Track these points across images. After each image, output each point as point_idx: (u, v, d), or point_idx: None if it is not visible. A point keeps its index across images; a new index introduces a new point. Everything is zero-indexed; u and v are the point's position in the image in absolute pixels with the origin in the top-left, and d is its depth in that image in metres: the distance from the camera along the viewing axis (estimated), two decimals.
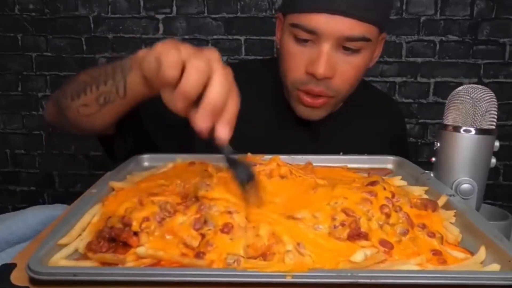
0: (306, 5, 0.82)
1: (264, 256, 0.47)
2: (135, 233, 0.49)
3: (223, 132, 0.52)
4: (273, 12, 1.85)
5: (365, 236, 0.49)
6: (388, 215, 0.53)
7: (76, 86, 0.76)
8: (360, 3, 0.80)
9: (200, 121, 0.51)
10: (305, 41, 0.84)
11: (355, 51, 0.84)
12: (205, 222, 0.49)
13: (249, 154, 0.70)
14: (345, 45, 0.82)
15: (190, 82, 0.50)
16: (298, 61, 0.86)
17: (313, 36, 0.82)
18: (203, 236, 0.48)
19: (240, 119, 0.96)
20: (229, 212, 0.50)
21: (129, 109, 0.74)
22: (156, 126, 0.92)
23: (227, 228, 0.48)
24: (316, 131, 1.00)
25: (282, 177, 0.61)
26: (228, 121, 0.53)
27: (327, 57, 0.82)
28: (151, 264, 0.45)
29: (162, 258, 0.45)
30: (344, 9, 0.79)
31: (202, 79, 0.51)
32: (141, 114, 0.90)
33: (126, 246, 0.49)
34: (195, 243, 0.47)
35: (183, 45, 0.54)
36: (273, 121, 0.99)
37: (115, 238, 0.49)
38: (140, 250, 0.45)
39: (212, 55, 0.53)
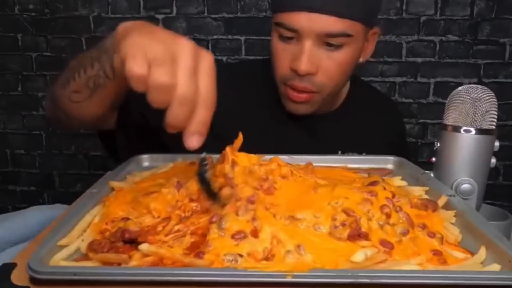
0: (287, 4, 0.85)
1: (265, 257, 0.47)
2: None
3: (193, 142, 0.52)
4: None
5: (365, 236, 0.49)
6: (388, 215, 0.53)
7: (66, 73, 0.75)
8: (340, 0, 0.82)
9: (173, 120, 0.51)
10: (289, 38, 0.87)
11: (338, 46, 0.85)
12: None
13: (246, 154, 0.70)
14: (326, 41, 0.84)
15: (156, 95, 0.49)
16: (283, 58, 0.89)
17: (295, 34, 0.85)
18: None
19: (239, 118, 0.97)
20: (254, 219, 0.50)
21: (122, 93, 0.72)
22: (161, 124, 0.92)
23: (239, 235, 0.48)
24: (314, 130, 1.00)
25: (283, 177, 0.61)
26: (198, 129, 0.52)
27: (309, 53, 0.84)
28: (152, 263, 0.45)
29: (164, 255, 0.45)
30: (323, 7, 0.81)
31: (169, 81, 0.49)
32: (146, 113, 0.90)
33: (127, 245, 0.49)
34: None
35: (155, 40, 0.50)
36: (271, 119, 0.99)
37: (129, 240, 0.49)
38: (143, 247, 0.45)
39: (183, 49, 0.50)
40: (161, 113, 0.94)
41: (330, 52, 0.86)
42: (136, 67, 0.49)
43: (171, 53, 0.49)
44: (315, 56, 0.85)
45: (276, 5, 0.89)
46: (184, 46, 0.50)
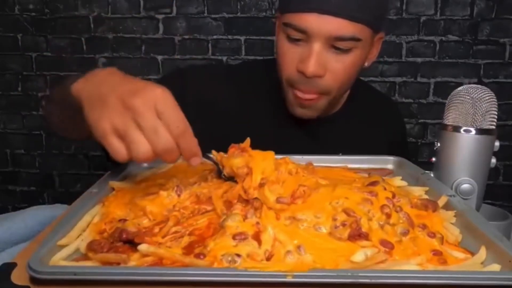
0: (297, 5, 0.83)
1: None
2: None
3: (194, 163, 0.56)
4: (273, 12, 1.85)
5: (365, 236, 0.49)
6: (388, 215, 0.53)
7: (50, 104, 0.76)
8: (351, 4, 0.81)
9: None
10: (297, 40, 0.85)
11: (346, 50, 0.84)
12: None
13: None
14: (335, 44, 0.83)
15: (141, 152, 0.52)
16: (290, 59, 0.87)
17: (304, 36, 0.84)
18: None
19: (241, 120, 0.96)
20: (258, 223, 0.50)
21: None
22: None
23: (239, 236, 0.48)
24: (315, 131, 1.00)
25: (289, 173, 0.61)
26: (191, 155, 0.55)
27: (317, 56, 0.83)
28: (152, 263, 0.45)
29: (163, 256, 0.45)
30: (334, 9, 0.80)
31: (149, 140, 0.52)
32: None
33: (127, 245, 0.49)
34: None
35: (117, 104, 0.52)
36: (273, 121, 0.99)
37: (128, 240, 0.49)
38: (142, 247, 0.45)
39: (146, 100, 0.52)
40: None
41: (338, 55, 0.85)
42: (118, 154, 0.52)
43: (131, 118, 0.51)
44: (323, 59, 0.84)
45: (285, 5, 0.87)
46: (137, 104, 0.51)
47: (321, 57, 0.84)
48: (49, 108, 0.79)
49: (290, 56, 0.87)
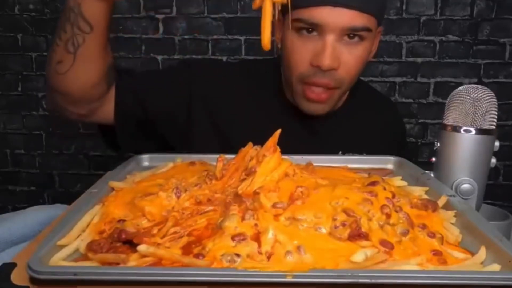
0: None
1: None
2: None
3: None
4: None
5: (365, 236, 0.49)
6: (388, 215, 0.53)
7: (50, 48, 0.78)
8: None
9: None
10: (309, 32, 0.86)
11: (357, 41, 0.86)
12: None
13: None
14: (349, 35, 0.85)
15: None
16: (302, 54, 0.87)
17: (316, 29, 0.85)
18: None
19: (241, 117, 0.97)
20: (256, 225, 0.50)
21: (104, 49, 0.76)
22: (167, 129, 0.95)
23: (238, 237, 0.48)
24: (316, 129, 1.00)
25: (286, 175, 0.61)
26: None
27: (331, 48, 0.84)
28: (152, 263, 0.45)
29: (163, 256, 0.45)
30: (346, 1, 0.82)
31: None
32: (154, 118, 0.92)
33: (127, 246, 0.49)
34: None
35: None
36: (273, 118, 0.99)
37: (128, 240, 0.49)
38: (141, 248, 0.45)
39: None
40: (160, 103, 0.96)
41: (350, 47, 0.86)
42: None
43: None
44: (337, 51, 0.85)
45: (296, 1, 0.88)
46: None
47: (335, 49, 0.85)
48: (47, 65, 0.80)
49: (302, 52, 0.87)
